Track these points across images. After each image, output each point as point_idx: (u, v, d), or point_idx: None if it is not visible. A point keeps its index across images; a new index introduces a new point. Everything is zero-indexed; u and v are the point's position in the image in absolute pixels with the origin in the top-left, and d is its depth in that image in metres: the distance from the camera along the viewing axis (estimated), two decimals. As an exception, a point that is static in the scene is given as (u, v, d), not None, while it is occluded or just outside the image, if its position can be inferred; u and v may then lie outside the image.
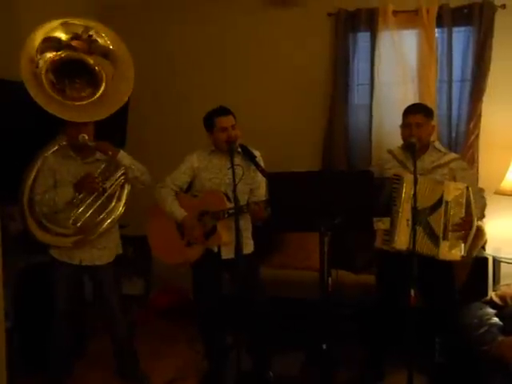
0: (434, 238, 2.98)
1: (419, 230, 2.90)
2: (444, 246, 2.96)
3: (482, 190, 3.27)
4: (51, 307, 3.24)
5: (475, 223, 3.01)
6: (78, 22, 3.07)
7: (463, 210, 2.98)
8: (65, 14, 3.07)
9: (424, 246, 2.98)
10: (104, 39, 3.10)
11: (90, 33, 3.08)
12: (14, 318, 3.46)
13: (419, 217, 2.88)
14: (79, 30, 3.06)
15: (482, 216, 3.24)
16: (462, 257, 3.00)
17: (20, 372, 3.27)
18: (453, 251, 2.98)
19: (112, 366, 3.50)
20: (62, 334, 3.29)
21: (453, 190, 2.99)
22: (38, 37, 2.95)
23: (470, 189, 3.00)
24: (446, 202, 2.98)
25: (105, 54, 3.12)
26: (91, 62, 3.11)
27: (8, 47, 3.12)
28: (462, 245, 2.99)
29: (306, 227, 2.73)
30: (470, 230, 2.99)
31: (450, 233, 2.97)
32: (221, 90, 4.44)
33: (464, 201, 2.98)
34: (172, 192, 3.24)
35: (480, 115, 4.13)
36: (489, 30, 4.04)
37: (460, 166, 3.16)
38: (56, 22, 3.00)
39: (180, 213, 3.20)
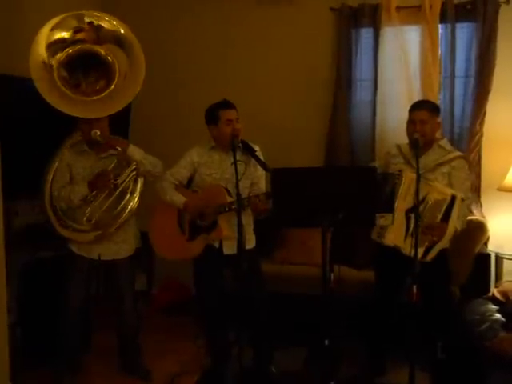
0: (406, 233, 2.98)
1: (405, 225, 2.88)
2: (408, 241, 2.94)
3: (469, 199, 3.19)
4: (61, 303, 3.24)
5: (448, 234, 2.97)
6: (67, 16, 2.97)
7: (440, 216, 2.95)
8: (66, 9, 3.02)
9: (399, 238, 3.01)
10: (109, 23, 3.01)
11: (88, 20, 2.98)
12: (17, 313, 3.47)
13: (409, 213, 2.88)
14: (74, 23, 2.98)
15: (462, 227, 3.12)
16: (423, 258, 2.93)
17: (23, 367, 3.28)
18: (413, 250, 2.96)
19: (115, 361, 3.51)
20: (72, 332, 3.29)
21: (437, 194, 2.97)
22: (41, 45, 2.89)
23: (456, 198, 2.95)
24: (426, 202, 2.97)
25: (115, 39, 3.03)
26: (102, 52, 3.04)
27: (14, 44, 3.10)
28: (426, 247, 2.95)
29: (308, 223, 2.73)
30: (438, 237, 2.96)
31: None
32: (224, 87, 4.42)
33: (444, 207, 2.95)
34: (172, 185, 3.25)
35: (485, 113, 4.13)
36: (492, 26, 4.03)
37: (457, 166, 3.12)
38: (46, 29, 2.91)
39: (180, 199, 3.20)
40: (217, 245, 3.20)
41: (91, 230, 3.16)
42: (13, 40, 3.05)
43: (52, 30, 2.92)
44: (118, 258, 3.26)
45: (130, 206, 3.21)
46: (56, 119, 3.00)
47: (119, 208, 3.18)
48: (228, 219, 3.12)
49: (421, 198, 2.93)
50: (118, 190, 3.15)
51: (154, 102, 4.73)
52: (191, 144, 3.31)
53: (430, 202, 2.96)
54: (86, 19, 2.98)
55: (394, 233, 3.02)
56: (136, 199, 3.24)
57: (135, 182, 3.23)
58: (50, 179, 3.14)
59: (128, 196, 3.20)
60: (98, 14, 3.02)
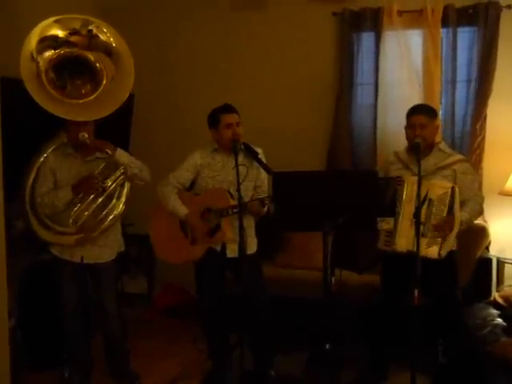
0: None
1: (414, 229, 2.89)
2: (422, 243, 2.93)
3: (480, 197, 3.22)
4: (59, 308, 3.21)
5: (457, 224, 2.99)
6: (74, 17, 2.98)
7: (446, 210, 2.98)
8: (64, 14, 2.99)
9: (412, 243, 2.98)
10: (106, 35, 3.02)
11: (90, 27, 2.99)
12: (18, 315, 3.46)
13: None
14: (77, 25, 2.97)
15: (471, 222, 3.17)
16: (440, 255, 2.99)
17: (23, 370, 3.27)
18: (430, 249, 2.98)
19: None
20: (74, 334, 3.26)
21: (437, 189, 2.99)
22: (34, 38, 2.87)
23: (455, 189, 2.99)
24: (430, 200, 2.98)
25: (106, 50, 3.03)
26: (92, 58, 3.02)
27: (11, 45, 3.09)
28: (441, 243, 2.99)
29: (309, 227, 2.73)
30: (449, 231, 2.99)
31: (429, 231, 2.98)
32: (225, 90, 4.43)
33: (448, 200, 2.97)
34: (174, 190, 3.25)
35: (486, 116, 4.13)
36: (494, 30, 4.04)
37: (462, 170, 3.14)
38: (49, 20, 2.91)
39: (183, 210, 3.20)
40: (218, 248, 3.20)
41: (75, 232, 3.11)
42: (15, 43, 3.04)
43: (56, 22, 2.91)
44: (100, 262, 3.21)
45: (115, 211, 3.16)
46: (57, 121, 2.99)
47: (104, 212, 3.13)
48: (231, 222, 3.13)
49: (422, 197, 2.94)
50: (105, 194, 3.11)
51: (156, 107, 4.74)
52: (194, 148, 3.31)
53: (435, 199, 2.97)
54: (90, 26, 2.98)
55: (405, 238, 3.01)
56: (122, 204, 3.19)
57: (122, 186, 3.19)
58: (31, 183, 3.09)
59: (114, 201, 3.16)
60: (100, 24, 3.01)
